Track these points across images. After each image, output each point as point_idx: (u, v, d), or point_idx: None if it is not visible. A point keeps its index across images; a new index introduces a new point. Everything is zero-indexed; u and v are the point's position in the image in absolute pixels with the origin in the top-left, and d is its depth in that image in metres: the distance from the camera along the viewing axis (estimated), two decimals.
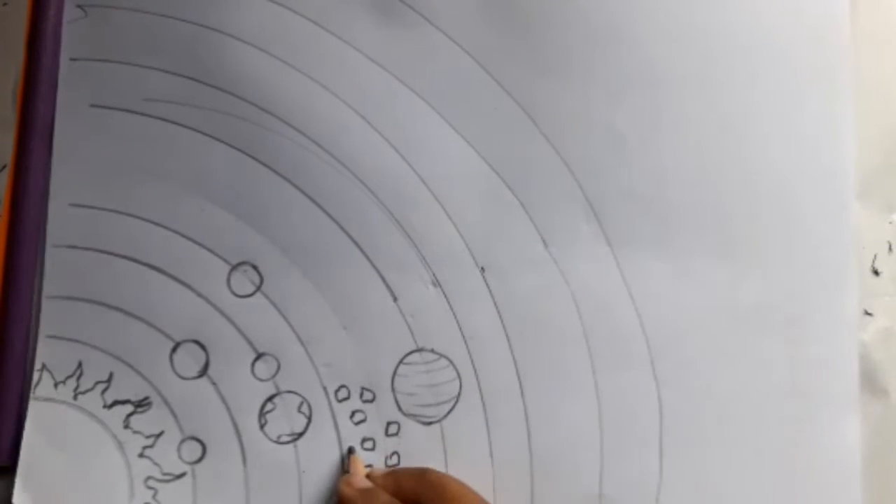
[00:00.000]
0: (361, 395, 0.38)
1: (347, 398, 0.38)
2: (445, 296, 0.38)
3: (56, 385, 0.37)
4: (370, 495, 0.34)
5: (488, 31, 0.39)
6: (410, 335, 0.38)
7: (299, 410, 0.38)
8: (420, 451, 0.38)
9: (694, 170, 0.39)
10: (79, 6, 0.39)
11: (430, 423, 0.38)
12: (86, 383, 0.37)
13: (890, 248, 0.41)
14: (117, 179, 0.38)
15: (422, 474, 0.35)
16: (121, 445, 0.37)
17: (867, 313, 0.40)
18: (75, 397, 0.37)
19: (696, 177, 0.39)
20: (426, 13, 0.39)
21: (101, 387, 0.37)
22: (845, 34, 0.39)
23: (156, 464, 0.37)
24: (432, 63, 0.39)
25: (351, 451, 0.38)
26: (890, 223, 0.41)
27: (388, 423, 0.38)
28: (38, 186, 0.38)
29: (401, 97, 0.39)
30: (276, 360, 0.38)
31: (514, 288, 0.39)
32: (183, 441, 0.37)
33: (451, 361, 0.38)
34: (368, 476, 0.36)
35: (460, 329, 0.38)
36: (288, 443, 0.38)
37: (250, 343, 0.38)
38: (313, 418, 0.38)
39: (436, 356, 0.38)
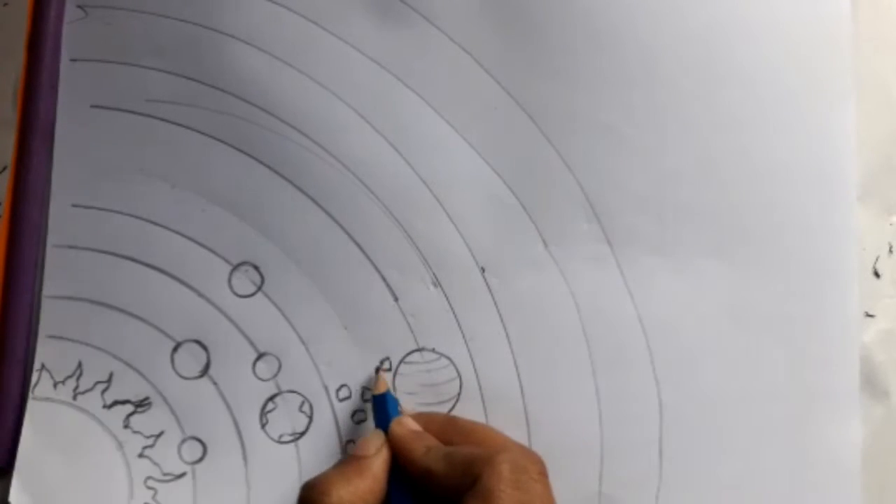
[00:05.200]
0: (363, 394, 0.38)
1: (349, 397, 0.38)
2: (446, 296, 0.38)
3: (55, 385, 0.37)
4: (422, 436, 0.35)
5: (488, 31, 0.39)
6: (411, 335, 0.38)
7: (300, 410, 0.38)
8: None
9: (694, 170, 0.39)
10: (79, 6, 0.39)
11: None
12: (85, 383, 0.38)
13: (891, 250, 0.41)
14: (118, 180, 0.38)
15: (450, 420, 0.36)
16: (120, 445, 0.37)
17: (868, 315, 0.40)
18: (75, 397, 0.37)
19: (696, 177, 0.39)
20: (426, 13, 0.39)
21: (100, 387, 0.38)
22: (846, 35, 0.39)
23: (156, 464, 0.37)
24: (432, 63, 0.39)
25: (378, 369, 0.37)
26: (891, 224, 0.41)
27: None
28: (38, 187, 0.38)
29: (401, 97, 0.39)
30: (278, 359, 0.38)
31: (514, 288, 0.38)
32: (183, 441, 0.37)
33: (451, 361, 0.38)
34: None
35: (461, 329, 0.38)
36: (289, 442, 0.38)
37: (251, 343, 0.38)
38: (314, 418, 0.38)
39: (436, 356, 0.38)
